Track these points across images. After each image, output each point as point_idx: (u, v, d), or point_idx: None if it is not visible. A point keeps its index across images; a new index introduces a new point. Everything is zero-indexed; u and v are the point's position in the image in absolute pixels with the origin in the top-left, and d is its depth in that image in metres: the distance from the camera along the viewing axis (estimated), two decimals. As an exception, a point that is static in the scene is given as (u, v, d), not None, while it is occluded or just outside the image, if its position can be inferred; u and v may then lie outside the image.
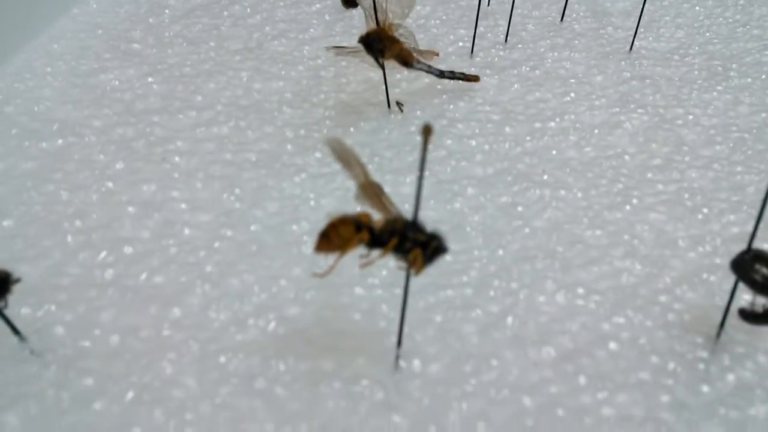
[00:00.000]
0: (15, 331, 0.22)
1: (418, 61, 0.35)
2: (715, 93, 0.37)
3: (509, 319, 0.24)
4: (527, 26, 0.44)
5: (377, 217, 0.21)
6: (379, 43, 0.32)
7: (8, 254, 0.26)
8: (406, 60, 0.34)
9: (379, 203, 0.21)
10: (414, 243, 0.20)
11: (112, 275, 0.25)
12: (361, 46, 0.33)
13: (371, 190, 0.20)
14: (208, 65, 0.38)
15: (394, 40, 0.33)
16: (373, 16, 0.33)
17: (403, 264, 0.21)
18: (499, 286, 0.25)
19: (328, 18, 0.45)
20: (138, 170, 0.30)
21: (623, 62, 0.40)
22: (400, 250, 0.20)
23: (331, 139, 0.20)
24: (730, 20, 0.46)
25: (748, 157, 0.33)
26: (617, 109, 0.36)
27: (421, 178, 0.18)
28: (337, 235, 0.20)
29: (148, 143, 0.32)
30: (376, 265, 0.22)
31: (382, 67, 0.33)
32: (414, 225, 0.20)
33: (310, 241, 0.27)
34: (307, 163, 0.31)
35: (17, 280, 0.21)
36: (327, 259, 0.22)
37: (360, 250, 0.22)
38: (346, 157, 0.20)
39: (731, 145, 0.33)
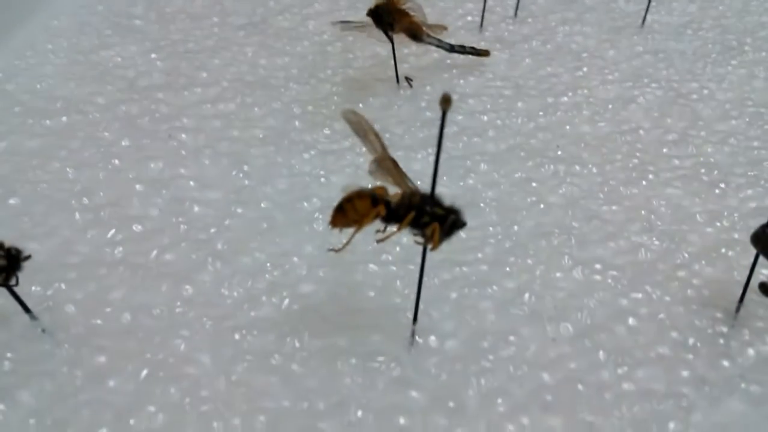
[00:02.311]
0: (26, 309, 0.22)
1: (428, 35, 0.34)
2: (729, 67, 0.37)
3: (526, 296, 0.23)
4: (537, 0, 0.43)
5: (393, 191, 0.21)
6: (389, 16, 0.32)
7: (16, 232, 0.25)
8: (416, 34, 0.34)
9: (396, 176, 0.20)
10: (432, 217, 0.20)
11: (122, 253, 0.24)
12: (368, 20, 0.32)
13: (388, 163, 0.20)
14: (212, 41, 0.38)
15: (404, 13, 0.33)
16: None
17: (419, 239, 0.20)
18: (515, 263, 0.25)
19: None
20: (144, 148, 0.30)
21: (635, 36, 0.39)
22: (417, 225, 0.20)
23: (347, 110, 0.20)
24: (743, -7, 0.45)
25: (764, 131, 0.32)
26: (630, 84, 0.35)
27: (439, 149, 0.18)
28: (353, 210, 0.20)
29: (154, 120, 0.31)
30: (390, 241, 0.22)
31: (392, 41, 0.33)
32: (432, 198, 0.20)
33: (322, 219, 0.26)
34: (316, 140, 0.31)
35: (27, 257, 0.21)
36: (339, 237, 0.22)
37: (375, 225, 0.21)
38: (362, 129, 0.20)
39: (747, 119, 0.33)
